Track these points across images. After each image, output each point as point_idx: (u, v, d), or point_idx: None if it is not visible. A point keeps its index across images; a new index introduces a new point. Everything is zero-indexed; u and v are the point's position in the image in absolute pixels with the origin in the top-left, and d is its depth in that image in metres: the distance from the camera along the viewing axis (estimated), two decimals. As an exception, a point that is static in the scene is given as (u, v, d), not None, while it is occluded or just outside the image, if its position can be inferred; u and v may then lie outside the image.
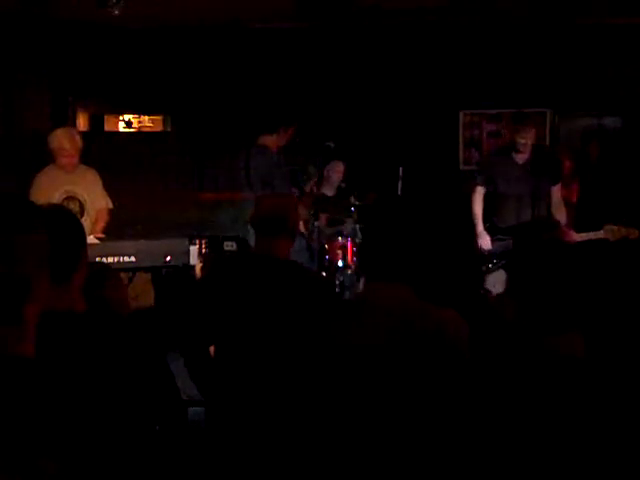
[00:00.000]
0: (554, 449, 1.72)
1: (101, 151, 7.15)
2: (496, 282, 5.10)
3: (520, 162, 5.42)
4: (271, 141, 6.06)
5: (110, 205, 5.73)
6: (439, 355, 2.20)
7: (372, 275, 2.35)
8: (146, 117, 8.72)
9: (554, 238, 2.87)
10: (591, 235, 5.25)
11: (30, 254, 1.34)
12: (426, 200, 6.52)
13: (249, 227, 5.64)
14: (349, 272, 6.15)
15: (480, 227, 5.47)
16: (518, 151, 5.40)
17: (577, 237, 5.24)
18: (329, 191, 6.78)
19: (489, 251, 5.37)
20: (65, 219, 1.95)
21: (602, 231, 5.20)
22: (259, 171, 5.91)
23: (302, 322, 2.49)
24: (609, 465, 1.70)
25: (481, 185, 5.56)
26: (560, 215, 5.45)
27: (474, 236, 5.48)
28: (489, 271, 5.32)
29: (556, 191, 5.45)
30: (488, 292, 5.03)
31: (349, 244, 6.24)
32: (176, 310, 3.49)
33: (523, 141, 5.34)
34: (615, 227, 5.16)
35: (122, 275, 5.27)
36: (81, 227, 1.98)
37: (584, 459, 1.70)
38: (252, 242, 5.63)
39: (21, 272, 1.32)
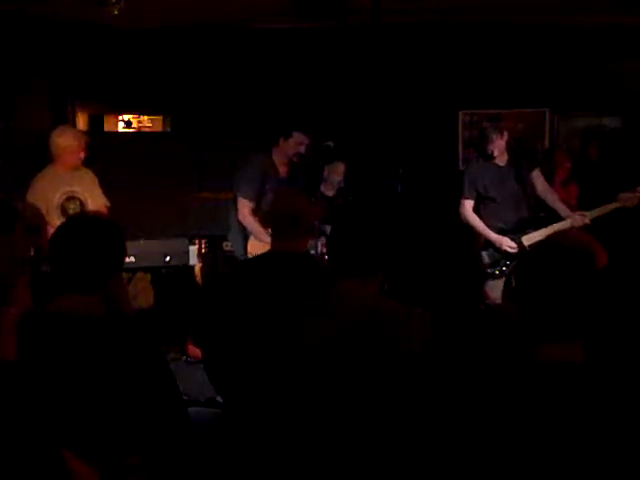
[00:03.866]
0: (548, 457, 1.72)
1: (101, 151, 7.15)
2: (494, 289, 5.04)
3: (501, 164, 5.41)
4: (275, 153, 5.59)
5: (108, 203, 5.75)
6: (404, 351, 2.22)
7: (340, 271, 2.37)
8: (146, 117, 8.73)
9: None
10: (605, 209, 5.22)
11: (6, 258, 1.32)
12: (401, 198, 6.51)
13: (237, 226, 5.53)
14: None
15: (492, 234, 5.31)
16: (493, 157, 5.40)
17: (591, 215, 5.22)
18: (329, 191, 6.77)
19: (491, 258, 5.31)
20: (110, 230, 1.91)
21: (615, 202, 5.19)
22: None
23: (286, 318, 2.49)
24: (605, 473, 1.69)
25: (468, 198, 5.48)
26: (555, 202, 5.40)
27: (472, 241, 5.42)
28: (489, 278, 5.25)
29: (536, 177, 5.42)
30: (488, 298, 4.96)
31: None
32: (196, 309, 3.46)
33: (496, 152, 5.36)
34: (629, 194, 5.16)
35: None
36: (123, 239, 1.94)
37: (580, 467, 1.70)
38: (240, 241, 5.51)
39: None
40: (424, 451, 2.13)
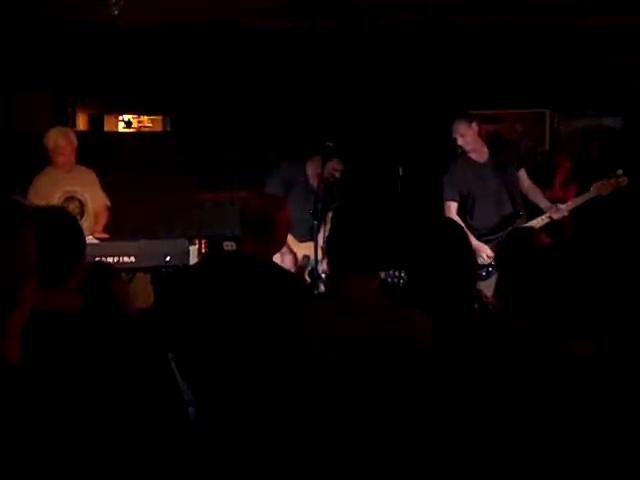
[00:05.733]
0: (567, 453, 1.71)
1: (101, 151, 7.15)
2: (486, 288, 5.01)
3: (481, 161, 5.32)
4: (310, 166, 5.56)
5: (108, 203, 5.74)
6: (404, 349, 2.23)
7: (339, 269, 2.38)
8: (146, 117, 8.72)
9: (539, 245, 2.87)
10: (581, 200, 5.24)
11: (14, 259, 1.31)
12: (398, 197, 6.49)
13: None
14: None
15: (473, 240, 5.07)
16: (466, 151, 5.29)
17: (568, 207, 5.23)
18: (329, 191, 6.77)
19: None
20: (62, 221, 1.94)
21: (591, 190, 5.19)
22: None
23: (271, 320, 2.50)
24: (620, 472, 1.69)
25: (451, 200, 5.38)
26: (537, 198, 5.39)
27: (466, 241, 5.36)
28: (482, 279, 5.21)
29: (522, 175, 5.36)
30: (485, 299, 4.90)
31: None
32: (165, 309, 3.49)
33: (460, 141, 5.24)
34: (601, 182, 5.16)
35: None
36: (79, 229, 1.98)
37: (597, 464, 1.70)
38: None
39: (4, 279, 1.30)
40: (426, 450, 2.13)
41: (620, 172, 5.15)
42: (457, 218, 5.29)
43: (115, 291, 2.70)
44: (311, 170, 5.51)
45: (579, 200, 5.27)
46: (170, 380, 1.91)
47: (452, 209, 5.39)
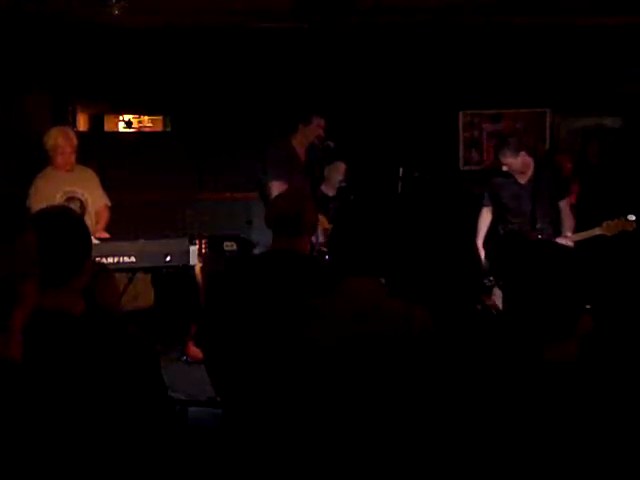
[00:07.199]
0: (550, 458, 1.72)
1: (101, 151, 7.15)
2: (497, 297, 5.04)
3: (522, 182, 5.50)
4: (294, 139, 5.68)
5: (109, 203, 5.74)
6: (405, 347, 2.24)
7: (342, 270, 2.39)
8: (146, 117, 8.74)
9: (540, 243, 2.88)
10: (587, 234, 5.27)
11: (17, 258, 1.32)
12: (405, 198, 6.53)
13: (251, 226, 5.62)
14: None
15: (479, 241, 5.51)
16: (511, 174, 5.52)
17: (574, 239, 5.27)
18: (330, 191, 6.77)
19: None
20: (69, 221, 1.95)
21: (598, 228, 5.22)
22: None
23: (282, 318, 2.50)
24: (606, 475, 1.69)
25: (487, 205, 5.68)
26: (567, 228, 5.49)
27: (471, 241, 5.50)
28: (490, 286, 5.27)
29: (564, 206, 5.51)
30: (489, 302, 4.92)
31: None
32: (197, 309, 3.48)
33: (505, 168, 5.45)
34: (612, 222, 5.18)
35: (122, 275, 5.29)
36: (86, 229, 1.98)
37: (580, 468, 1.70)
38: (255, 241, 5.59)
39: (7, 278, 1.31)
40: (426, 448, 2.13)
41: (632, 217, 5.17)
42: (482, 219, 5.64)
43: (100, 288, 2.68)
44: (296, 141, 5.61)
45: (586, 235, 5.31)
46: (156, 380, 1.91)
47: (484, 211, 5.69)
